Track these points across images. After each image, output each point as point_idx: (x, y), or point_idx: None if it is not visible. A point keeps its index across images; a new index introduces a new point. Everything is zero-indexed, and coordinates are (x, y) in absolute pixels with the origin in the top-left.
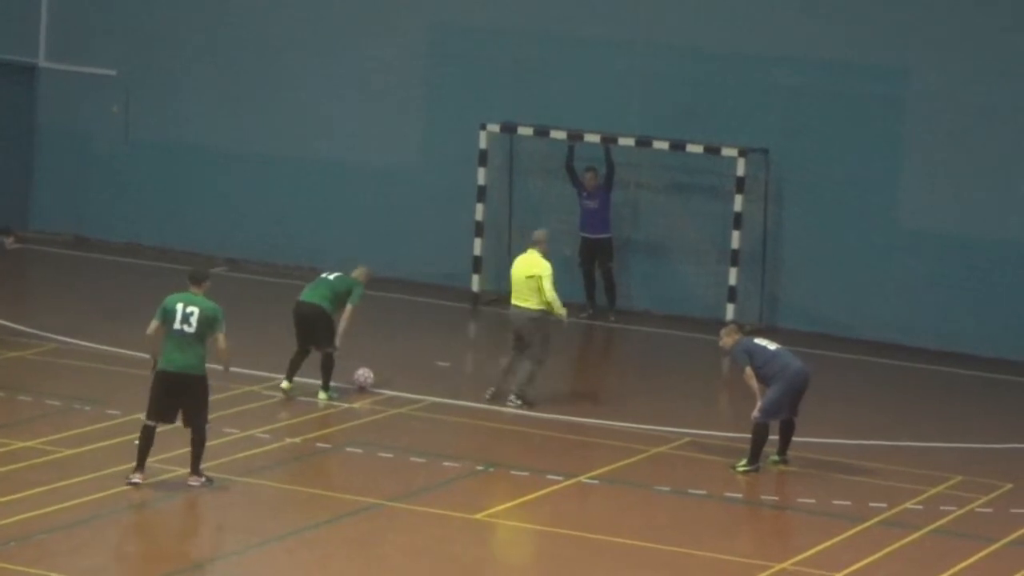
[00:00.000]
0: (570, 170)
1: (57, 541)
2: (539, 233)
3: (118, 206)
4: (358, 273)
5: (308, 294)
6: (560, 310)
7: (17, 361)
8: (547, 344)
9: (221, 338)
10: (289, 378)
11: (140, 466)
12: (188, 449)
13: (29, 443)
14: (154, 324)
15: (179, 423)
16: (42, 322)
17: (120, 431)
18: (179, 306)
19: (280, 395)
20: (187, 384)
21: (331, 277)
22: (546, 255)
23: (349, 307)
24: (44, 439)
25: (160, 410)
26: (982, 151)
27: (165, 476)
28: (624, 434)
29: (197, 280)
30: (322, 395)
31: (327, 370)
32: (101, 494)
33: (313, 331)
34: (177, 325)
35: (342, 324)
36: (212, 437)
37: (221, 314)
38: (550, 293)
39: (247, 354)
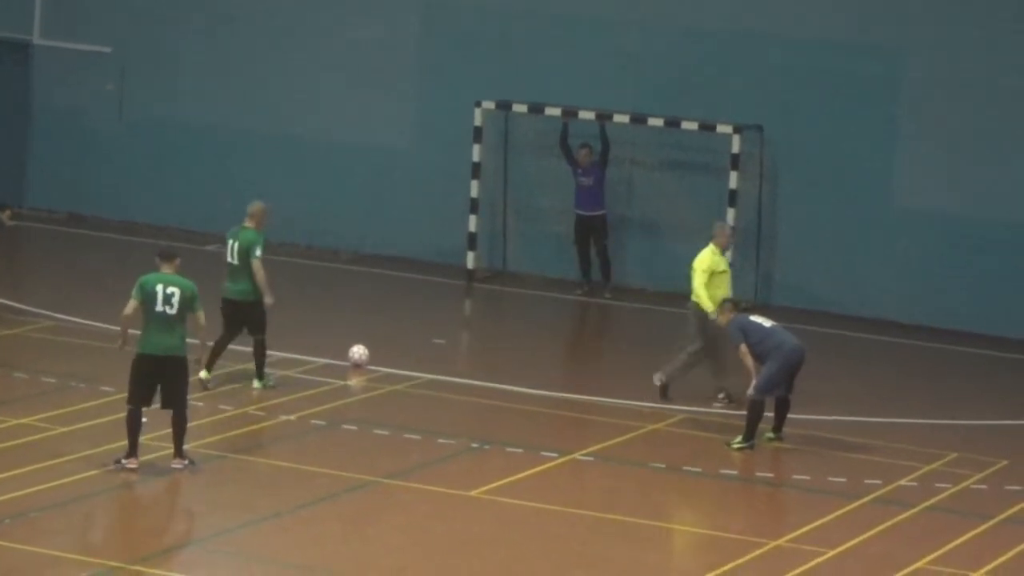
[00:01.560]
0: (565, 147)
1: (51, 519)
2: (715, 226)
3: (113, 184)
4: (253, 211)
5: (232, 288)
6: (706, 304)
7: (13, 338)
8: (699, 338)
9: (201, 316)
10: (209, 368)
11: (132, 451)
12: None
13: (24, 420)
14: (132, 304)
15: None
16: (38, 299)
17: (115, 409)
18: (159, 287)
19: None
20: (171, 366)
21: (236, 261)
22: (722, 249)
23: (255, 263)
24: (39, 416)
25: (143, 394)
26: (977, 130)
27: (160, 453)
28: (619, 411)
29: (168, 258)
30: (256, 383)
31: (260, 357)
32: (96, 472)
33: (245, 320)
34: (159, 307)
35: (260, 282)
36: (207, 414)
37: (197, 291)
38: (695, 285)
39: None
